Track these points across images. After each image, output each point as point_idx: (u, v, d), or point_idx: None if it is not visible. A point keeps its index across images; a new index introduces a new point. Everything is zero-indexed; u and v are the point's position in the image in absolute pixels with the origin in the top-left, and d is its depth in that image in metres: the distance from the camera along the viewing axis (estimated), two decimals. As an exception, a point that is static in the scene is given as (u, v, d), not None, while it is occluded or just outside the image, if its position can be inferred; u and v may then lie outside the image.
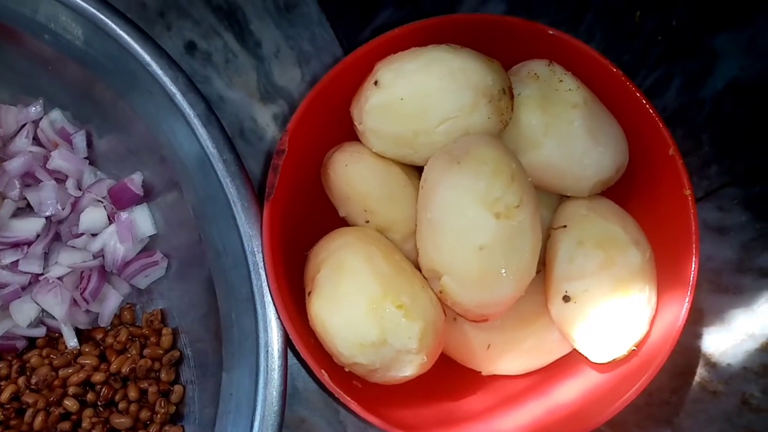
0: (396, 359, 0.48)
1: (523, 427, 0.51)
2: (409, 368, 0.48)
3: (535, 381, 0.54)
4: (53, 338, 0.58)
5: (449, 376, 0.54)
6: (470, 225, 0.46)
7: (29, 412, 0.54)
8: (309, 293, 0.49)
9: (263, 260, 0.50)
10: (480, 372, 0.55)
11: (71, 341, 0.57)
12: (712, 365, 0.60)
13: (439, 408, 0.53)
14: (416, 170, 0.53)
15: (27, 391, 0.54)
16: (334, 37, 0.64)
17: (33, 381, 0.54)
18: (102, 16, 0.53)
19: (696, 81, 0.64)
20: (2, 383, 0.55)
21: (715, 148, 0.63)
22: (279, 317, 0.50)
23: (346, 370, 0.49)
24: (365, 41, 0.52)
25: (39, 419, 0.53)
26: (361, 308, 0.47)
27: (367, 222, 0.53)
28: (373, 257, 0.49)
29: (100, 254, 0.58)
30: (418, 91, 0.49)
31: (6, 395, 0.54)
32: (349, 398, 0.47)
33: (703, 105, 0.64)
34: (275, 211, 0.50)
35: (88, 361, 0.56)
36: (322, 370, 0.47)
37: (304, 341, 0.48)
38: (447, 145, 0.49)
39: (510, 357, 0.54)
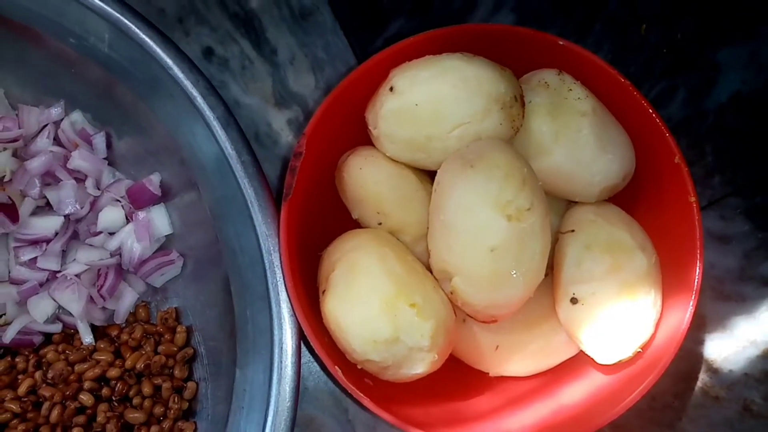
0: (408, 357, 0.48)
1: (528, 428, 0.52)
2: (420, 366, 0.49)
3: (541, 382, 0.55)
4: (69, 334, 0.58)
5: (457, 377, 0.55)
6: (482, 227, 0.47)
7: (46, 405, 0.54)
8: (323, 292, 0.50)
9: (279, 259, 0.51)
10: (488, 373, 0.55)
11: (87, 337, 0.58)
12: (714, 371, 0.61)
13: (447, 407, 0.54)
14: (428, 174, 0.54)
15: (44, 385, 0.55)
16: (347, 45, 0.65)
17: (49, 375, 0.55)
18: (126, 21, 0.54)
19: (700, 93, 0.65)
20: (20, 377, 0.56)
21: (718, 159, 0.64)
22: (294, 315, 0.51)
23: (359, 367, 0.50)
24: (378, 50, 0.53)
25: (55, 413, 0.54)
26: (374, 306, 0.48)
27: (380, 224, 0.53)
28: (386, 258, 0.50)
29: (117, 252, 0.59)
30: (433, 97, 0.50)
31: (23, 388, 0.55)
32: (361, 394, 0.48)
33: (706, 116, 0.65)
34: (292, 212, 0.51)
35: (103, 357, 0.57)
36: (336, 367, 0.48)
37: (319, 338, 0.49)
38: (460, 149, 0.50)
39: (517, 358, 0.54)
